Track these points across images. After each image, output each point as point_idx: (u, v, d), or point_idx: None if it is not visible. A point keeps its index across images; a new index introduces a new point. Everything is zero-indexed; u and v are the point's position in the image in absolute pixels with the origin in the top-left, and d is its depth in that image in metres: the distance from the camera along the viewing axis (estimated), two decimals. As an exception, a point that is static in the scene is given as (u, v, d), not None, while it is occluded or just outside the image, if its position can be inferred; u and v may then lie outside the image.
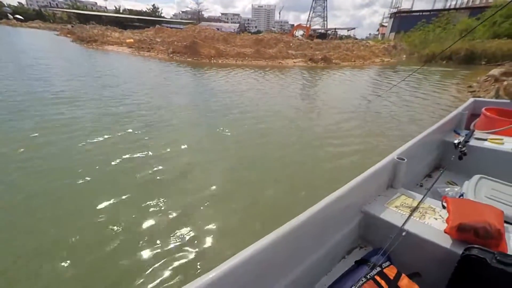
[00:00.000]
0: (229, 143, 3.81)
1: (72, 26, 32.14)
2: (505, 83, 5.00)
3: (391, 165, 1.10)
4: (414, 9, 49.12)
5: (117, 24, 37.75)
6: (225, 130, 4.30)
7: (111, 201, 2.32)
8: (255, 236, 0.70)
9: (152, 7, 62.74)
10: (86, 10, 52.96)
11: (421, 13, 37.04)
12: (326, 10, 75.55)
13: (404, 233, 0.84)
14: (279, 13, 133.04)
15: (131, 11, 61.00)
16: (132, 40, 18.96)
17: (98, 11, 59.01)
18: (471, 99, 2.16)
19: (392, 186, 1.13)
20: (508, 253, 0.73)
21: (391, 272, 0.77)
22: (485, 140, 1.56)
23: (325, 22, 75.35)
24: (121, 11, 59.63)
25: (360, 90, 8.39)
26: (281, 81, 9.90)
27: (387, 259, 0.81)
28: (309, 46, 22.09)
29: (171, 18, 74.56)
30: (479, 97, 5.59)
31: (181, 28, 30.16)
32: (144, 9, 64.40)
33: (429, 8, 45.50)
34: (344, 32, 54.65)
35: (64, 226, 2.02)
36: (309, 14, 76.40)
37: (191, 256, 1.77)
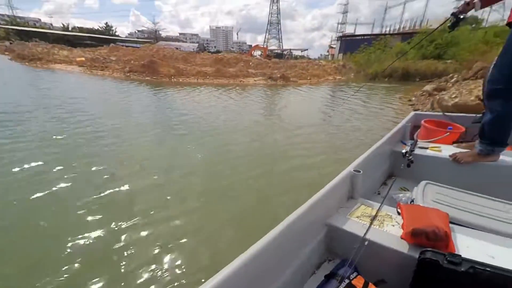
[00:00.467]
0: (195, 160, 3.67)
1: (10, 43, 28.67)
2: (437, 97, 5.81)
3: (348, 178, 1.14)
4: (357, 33, 55.84)
5: (66, 42, 34.83)
6: (190, 147, 4.15)
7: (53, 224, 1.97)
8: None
9: (105, 25, 59.70)
10: (27, 27, 47.67)
11: (363, 37, 42.09)
12: (281, 32, 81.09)
13: (366, 242, 0.86)
14: (237, 34, 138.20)
15: (81, 29, 56.68)
16: (83, 58, 17.64)
17: (43, 28, 53.61)
18: (412, 113, 2.37)
19: (352, 197, 1.17)
20: (456, 252, 0.77)
21: (359, 282, 0.79)
22: (427, 148, 1.71)
23: (281, 43, 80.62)
24: (70, 28, 55.37)
25: (318, 105, 8.96)
26: (245, 98, 10.07)
27: (354, 270, 0.83)
28: (267, 65, 23.14)
29: (126, 37, 71.44)
30: (418, 110, 6.42)
31: (138, 47, 29.20)
32: (96, 27, 61.00)
33: (369, 32, 52.19)
34: (298, 53, 59.02)
35: None
36: (265, 36, 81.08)
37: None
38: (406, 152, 1.60)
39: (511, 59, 1.29)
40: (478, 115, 1.92)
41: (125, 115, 6.30)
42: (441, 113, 2.36)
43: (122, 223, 2.22)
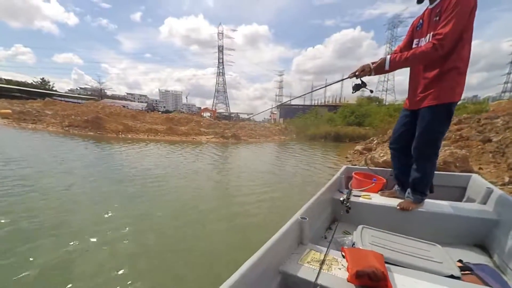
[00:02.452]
0: (145, 220, 3.24)
1: None
2: (368, 155, 7.20)
3: (297, 224, 1.22)
4: (292, 103, 66.03)
5: None
6: (143, 206, 3.85)
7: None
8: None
9: (40, 80, 55.12)
10: None
11: (297, 106, 49.63)
12: (227, 99, 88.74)
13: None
14: (186, 98, 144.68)
15: (9, 81, 50.94)
16: (9, 111, 15.56)
17: None
18: (344, 166, 2.66)
19: (302, 243, 1.24)
20: None
21: None
22: (360, 196, 1.92)
23: (228, 108, 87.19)
24: None
25: (268, 160, 9.75)
26: (199, 154, 10.24)
27: None
28: (218, 126, 24.44)
29: (66, 92, 66.36)
30: (356, 165, 7.71)
31: (80, 103, 27.50)
32: (30, 81, 55.60)
33: (302, 103, 62.35)
34: (245, 116, 64.54)
35: None
36: (213, 101, 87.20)
37: None
38: (343, 200, 1.77)
39: (396, 128, 1.91)
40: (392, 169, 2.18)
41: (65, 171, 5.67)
42: (365, 167, 2.72)
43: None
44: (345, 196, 1.82)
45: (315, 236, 1.56)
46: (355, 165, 8.04)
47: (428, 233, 1.51)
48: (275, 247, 1.00)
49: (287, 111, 48.79)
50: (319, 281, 0.93)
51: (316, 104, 58.95)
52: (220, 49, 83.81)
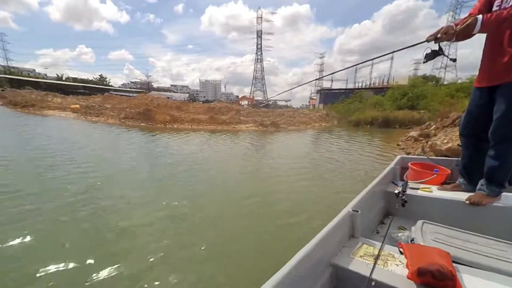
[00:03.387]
0: (201, 204, 3.52)
1: (2, 90, 28.83)
2: (429, 142, 6.40)
3: (348, 217, 1.17)
4: (333, 87, 62.14)
5: (58, 90, 35.31)
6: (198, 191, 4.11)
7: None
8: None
9: (99, 77, 62.14)
10: (21, 76, 48.41)
11: (339, 91, 46.67)
12: (265, 86, 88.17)
13: (373, 283, 0.87)
14: (225, 87, 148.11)
15: (75, 79, 58.49)
16: (77, 106, 17.90)
17: (37, 78, 54.64)
18: (399, 156, 2.46)
19: (353, 236, 1.19)
20: None
21: None
22: (418, 189, 1.78)
23: (266, 95, 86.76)
24: (63, 78, 57.05)
25: (312, 148, 9.41)
26: (242, 142, 10.40)
27: None
28: (257, 114, 24.48)
29: (119, 87, 73.89)
30: (410, 153, 6.95)
31: (133, 96, 30.25)
32: (90, 78, 63.17)
33: (344, 87, 58.20)
34: (283, 103, 63.47)
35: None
36: (251, 89, 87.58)
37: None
38: (399, 193, 1.65)
39: (468, 112, 1.70)
40: (459, 159, 1.95)
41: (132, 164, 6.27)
42: (425, 157, 2.45)
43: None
44: (400, 189, 1.68)
45: (366, 230, 1.49)
46: (410, 153, 7.24)
47: (505, 232, 1.31)
48: (325, 240, 0.97)
49: (328, 96, 46.30)
50: (374, 276, 0.88)
51: (360, 87, 54.35)
52: (259, 35, 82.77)
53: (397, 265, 0.97)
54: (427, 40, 1.41)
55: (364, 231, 1.34)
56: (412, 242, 1.21)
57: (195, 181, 4.57)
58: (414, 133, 8.89)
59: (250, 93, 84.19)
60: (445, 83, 30.84)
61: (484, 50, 1.53)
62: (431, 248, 1.01)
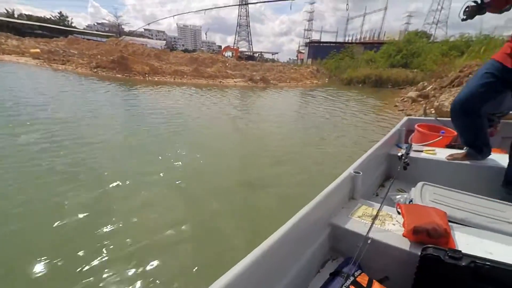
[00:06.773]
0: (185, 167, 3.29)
1: None
2: (433, 103, 6.11)
3: (349, 179, 1.17)
4: (322, 40, 58.84)
5: (11, 30, 29.92)
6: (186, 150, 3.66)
7: None
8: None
9: (59, 15, 52.90)
10: None
11: (329, 44, 44.36)
12: (250, 35, 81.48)
13: (369, 241, 0.89)
14: (206, 34, 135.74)
15: (30, 17, 49.18)
16: (38, 50, 15.33)
17: None
18: (406, 118, 2.42)
19: (353, 198, 1.20)
20: (456, 248, 0.80)
21: (363, 279, 0.81)
22: (422, 151, 1.76)
23: (251, 46, 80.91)
24: (15, 15, 47.84)
25: (307, 106, 8.94)
26: (233, 100, 9.62)
27: (358, 268, 0.85)
28: (245, 67, 22.89)
29: (84, 28, 64.20)
30: (411, 115, 6.73)
31: (103, 41, 26.54)
32: (48, 16, 53.43)
33: (333, 40, 55.30)
34: (269, 56, 59.87)
35: None
36: (235, 38, 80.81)
37: None
38: (402, 155, 1.63)
39: (471, 81, 1.47)
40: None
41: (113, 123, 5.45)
42: (433, 118, 2.42)
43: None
44: (403, 152, 1.67)
45: (366, 193, 1.51)
46: (410, 115, 7.04)
47: (500, 191, 1.37)
48: (326, 200, 0.99)
49: (317, 49, 43.79)
50: (370, 235, 0.91)
51: (350, 41, 51.80)
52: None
53: (394, 224, 0.99)
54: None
55: (364, 193, 1.35)
56: (410, 203, 1.20)
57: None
58: (412, 93, 8.58)
59: (234, 43, 78.03)
60: (436, 40, 30.03)
61: None
62: (429, 207, 1.01)
